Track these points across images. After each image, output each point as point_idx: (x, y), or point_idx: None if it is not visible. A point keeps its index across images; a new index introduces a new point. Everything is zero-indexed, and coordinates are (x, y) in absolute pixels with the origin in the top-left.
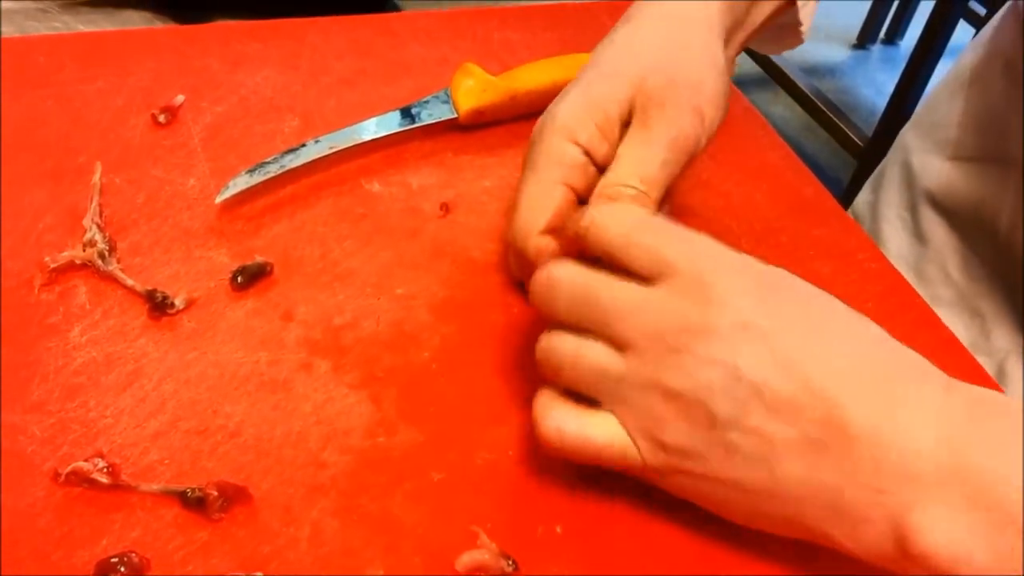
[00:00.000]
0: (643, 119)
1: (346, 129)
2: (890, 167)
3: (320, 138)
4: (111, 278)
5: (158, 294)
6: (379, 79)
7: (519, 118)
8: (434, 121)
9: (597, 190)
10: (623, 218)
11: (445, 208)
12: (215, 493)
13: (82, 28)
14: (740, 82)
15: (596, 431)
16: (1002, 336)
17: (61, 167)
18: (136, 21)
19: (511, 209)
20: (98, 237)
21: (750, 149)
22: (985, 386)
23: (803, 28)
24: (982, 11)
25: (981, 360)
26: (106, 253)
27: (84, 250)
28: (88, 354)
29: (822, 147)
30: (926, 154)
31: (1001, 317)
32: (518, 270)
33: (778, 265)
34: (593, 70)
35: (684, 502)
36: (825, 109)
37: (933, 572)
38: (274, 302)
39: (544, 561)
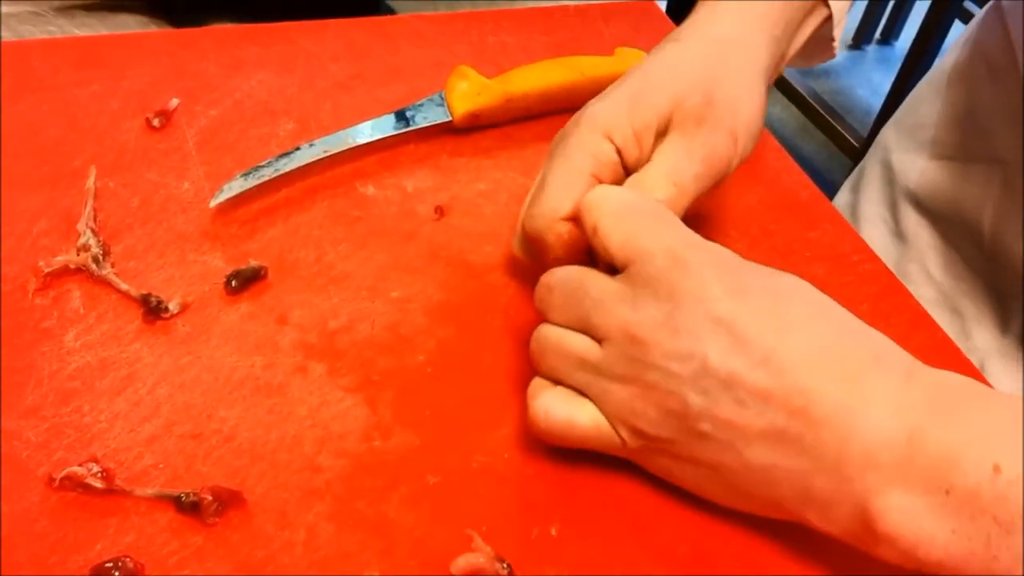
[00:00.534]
0: (681, 132)
1: (341, 132)
2: (870, 167)
3: (315, 141)
4: (105, 282)
5: (152, 298)
6: (374, 82)
7: (514, 121)
8: (429, 124)
9: (626, 185)
10: (612, 200)
11: (440, 211)
12: (210, 497)
13: (77, 32)
14: None
15: (581, 415)
16: (982, 336)
17: (56, 171)
18: (131, 25)
19: (534, 191)
20: (92, 241)
21: None
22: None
23: (835, 43)
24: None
25: None
26: (100, 257)
27: (78, 254)
28: (82, 359)
29: (818, 148)
30: (906, 153)
31: (981, 317)
32: (528, 253)
33: (772, 267)
34: (637, 78)
35: (679, 504)
36: (820, 110)
37: (899, 553)
38: (269, 306)
39: (539, 564)
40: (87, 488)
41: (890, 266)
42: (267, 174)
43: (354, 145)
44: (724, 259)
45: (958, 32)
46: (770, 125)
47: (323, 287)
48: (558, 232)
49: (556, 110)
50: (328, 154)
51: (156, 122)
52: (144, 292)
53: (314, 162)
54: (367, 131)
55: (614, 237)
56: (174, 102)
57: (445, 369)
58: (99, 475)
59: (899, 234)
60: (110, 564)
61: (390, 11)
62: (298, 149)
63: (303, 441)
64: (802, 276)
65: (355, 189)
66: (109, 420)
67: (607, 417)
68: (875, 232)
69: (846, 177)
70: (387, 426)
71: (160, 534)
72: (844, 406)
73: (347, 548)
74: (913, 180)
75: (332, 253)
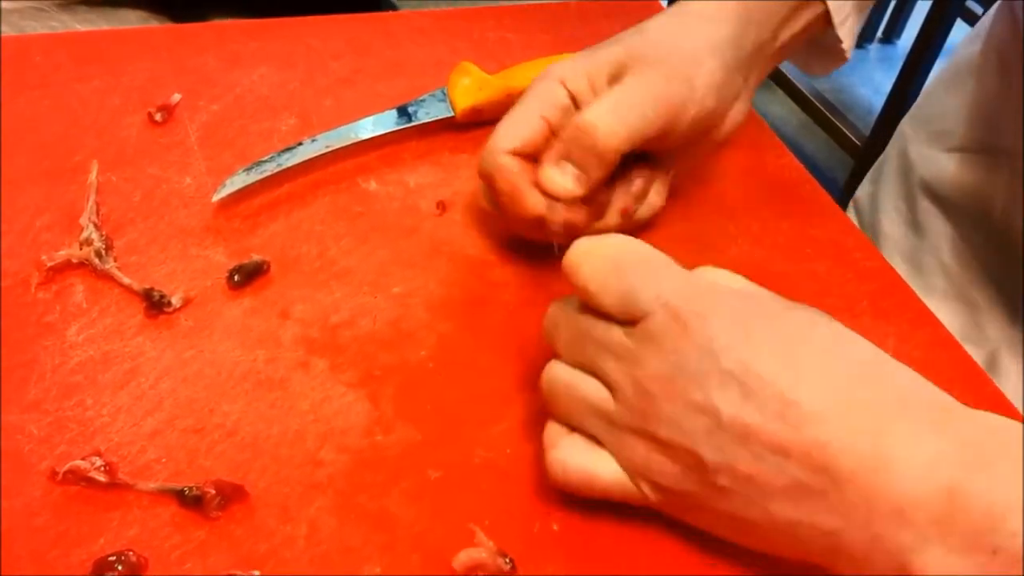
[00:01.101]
0: (632, 73)
1: (343, 128)
2: (889, 158)
3: (317, 137)
4: (108, 277)
5: (155, 293)
6: (376, 78)
7: None
8: (431, 120)
9: (570, 125)
10: (594, 257)
11: (442, 206)
12: (212, 491)
13: (79, 27)
14: None
15: (600, 468)
16: (994, 327)
17: (58, 166)
18: (132, 20)
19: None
20: (95, 236)
21: (747, 148)
22: (977, 383)
23: (844, 46)
24: (979, 10)
25: (972, 351)
26: (103, 252)
27: (81, 249)
28: (85, 353)
29: (819, 146)
30: (922, 145)
31: (994, 307)
32: (486, 196)
33: (774, 264)
34: (602, 42)
35: None
36: (822, 108)
37: None
38: (271, 300)
39: (541, 559)
40: (90, 482)
41: (905, 257)
42: (269, 169)
43: (356, 140)
44: (726, 304)
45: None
46: (772, 123)
47: (325, 282)
48: (500, 165)
49: None
50: (330, 149)
51: (158, 117)
52: (146, 286)
53: (316, 157)
54: (369, 126)
55: (607, 299)
56: (176, 97)
57: (447, 364)
58: (102, 469)
59: (914, 225)
60: (113, 558)
61: (392, 7)
62: (300, 144)
63: (305, 436)
64: (804, 273)
65: (357, 184)
66: (112, 414)
67: (625, 470)
68: (891, 222)
69: (848, 175)
70: (389, 421)
71: (163, 528)
72: (870, 460)
73: (349, 542)
74: (928, 171)
75: (334, 248)
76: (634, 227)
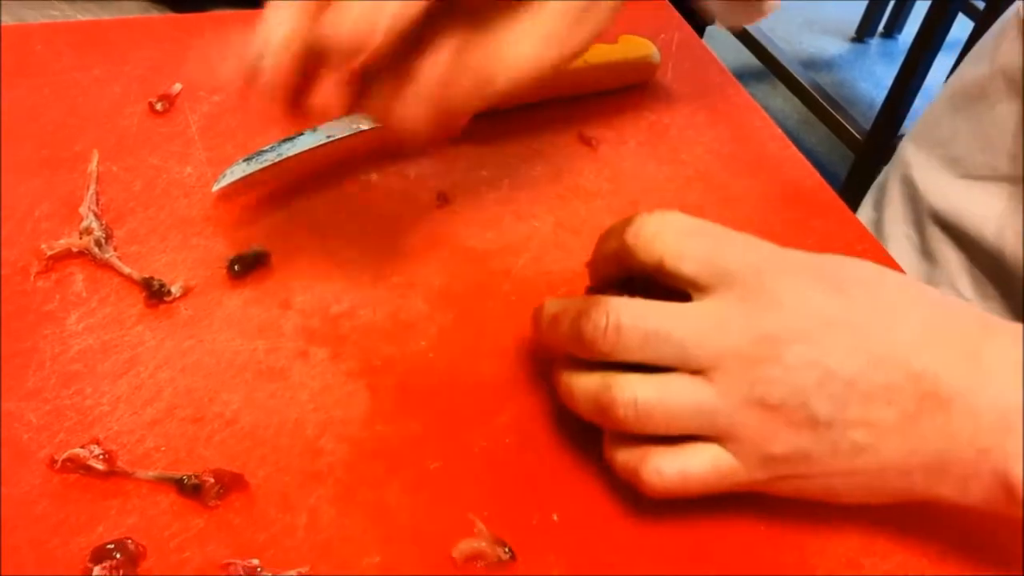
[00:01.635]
0: None
1: (343, 119)
2: (891, 184)
3: (317, 127)
4: (108, 266)
5: (155, 282)
6: None
7: (516, 108)
8: None
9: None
10: (671, 228)
11: (442, 198)
12: (211, 480)
13: (79, 16)
14: (739, 74)
15: (695, 464)
16: None
17: (58, 155)
18: (133, 10)
19: None
20: (95, 225)
21: (748, 141)
22: None
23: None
24: (980, 5)
25: None
26: (103, 241)
27: (80, 238)
28: (84, 341)
29: (820, 140)
30: (930, 171)
31: None
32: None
33: None
34: None
35: None
36: (823, 102)
37: None
38: (271, 290)
39: (540, 549)
40: (89, 470)
41: None
42: (270, 159)
43: (357, 131)
44: (804, 263)
45: (961, 26)
46: (773, 117)
47: (325, 272)
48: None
49: (559, 98)
50: (331, 140)
51: (159, 107)
52: (146, 275)
53: (317, 147)
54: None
55: (687, 265)
56: (177, 87)
57: (446, 355)
58: (101, 457)
59: (926, 253)
60: (111, 546)
61: None
62: (301, 135)
63: (305, 425)
64: None
65: (358, 175)
66: (111, 403)
67: (736, 454)
68: (901, 251)
69: (848, 170)
70: (388, 411)
71: (162, 516)
72: (970, 379)
73: (348, 532)
74: (938, 200)
75: (334, 239)
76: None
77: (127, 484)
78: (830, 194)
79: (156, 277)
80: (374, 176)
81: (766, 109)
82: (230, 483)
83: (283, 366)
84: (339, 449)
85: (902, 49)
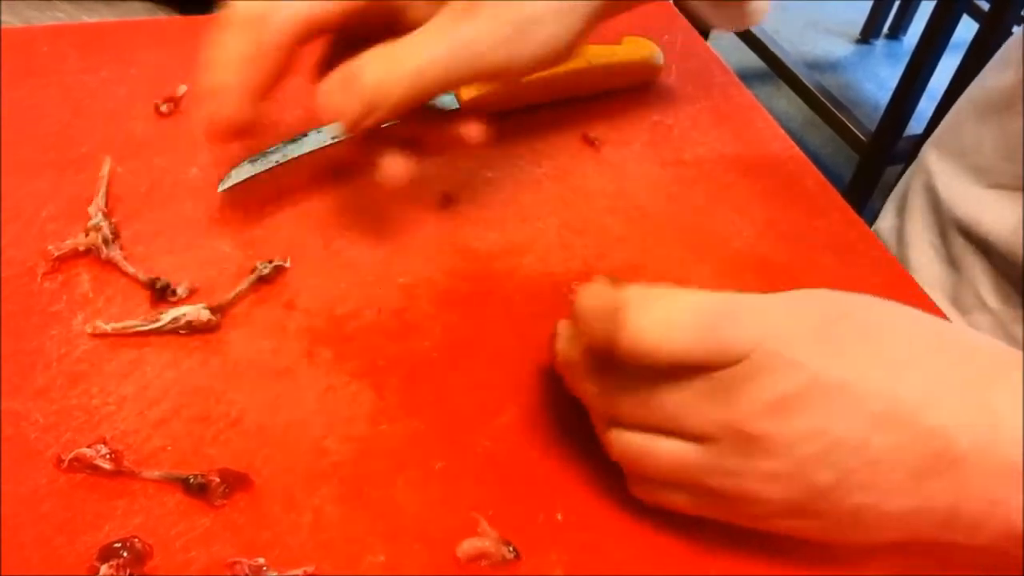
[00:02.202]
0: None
1: None
2: (914, 191)
3: (322, 128)
4: (114, 266)
5: (160, 282)
6: None
7: (521, 109)
8: (436, 111)
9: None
10: (665, 330)
11: (447, 199)
12: (217, 480)
13: (85, 18)
14: (743, 76)
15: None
16: None
17: (64, 157)
18: (138, 11)
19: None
20: (103, 223)
21: (752, 141)
22: None
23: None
24: (985, 6)
25: None
26: (110, 239)
27: (88, 235)
28: (91, 342)
29: (825, 142)
30: (954, 179)
31: None
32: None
33: (779, 256)
34: None
35: None
36: (828, 104)
37: None
38: (277, 291)
39: (545, 548)
40: (95, 470)
41: (945, 294)
42: (275, 160)
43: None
44: (798, 320)
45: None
46: (777, 118)
47: (331, 273)
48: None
49: (562, 99)
50: (336, 140)
51: (164, 108)
52: (152, 276)
53: (322, 148)
54: None
55: (695, 357)
56: (182, 88)
57: (451, 355)
58: (107, 457)
59: (951, 261)
60: (118, 545)
61: None
62: (306, 135)
63: (310, 425)
64: (809, 266)
65: (363, 176)
66: (117, 403)
67: (715, 514)
68: (924, 259)
69: (852, 171)
70: (393, 411)
71: (168, 516)
72: (983, 433)
73: (353, 531)
74: (962, 209)
75: (340, 239)
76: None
77: (133, 483)
78: (834, 196)
79: (162, 278)
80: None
81: (770, 110)
82: (236, 482)
83: (288, 366)
84: (344, 449)
85: (907, 50)
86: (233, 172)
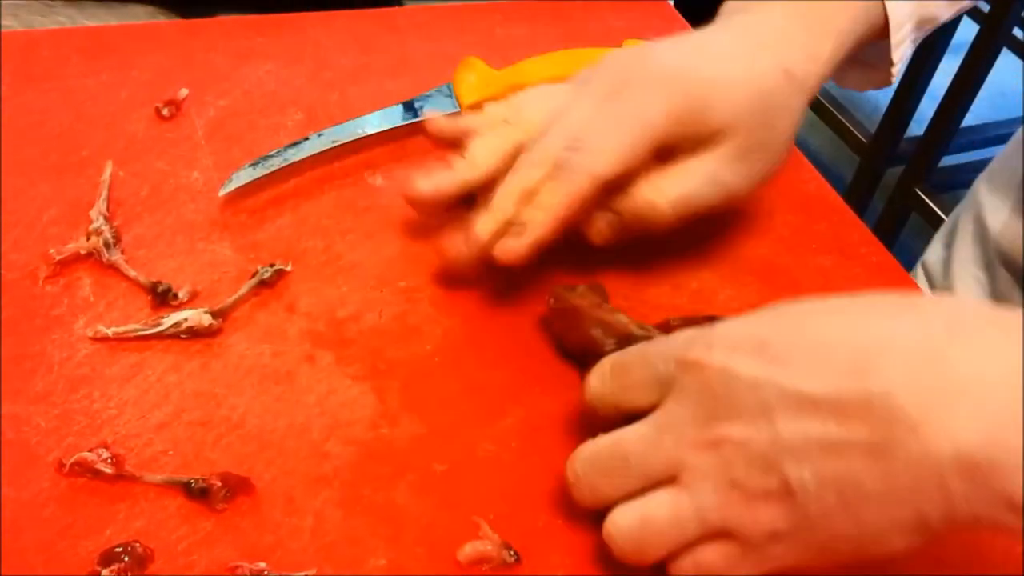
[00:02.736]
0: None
1: (349, 123)
2: (963, 224)
3: (323, 132)
4: (115, 270)
5: (161, 286)
6: (382, 73)
7: None
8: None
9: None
10: (601, 368)
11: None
12: (218, 484)
13: (86, 22)
14: None
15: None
16: None
17: (65, 160)
18: (140, 15)
19: None
20: (104, 227)
21: None
22: None
23: (894, 69)
24: (985, 7)
25: None
26: (111, 243)
27: (89, 239)
28: (92, 346)
29: (825, 144)
30: (1002, 213)
31: None
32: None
33: (779, 259)
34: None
35: None
36: (828, 105)
37: None
38: (277, 294)
39: (546, 552)
40: (97, 474)
41: None
42: (276, 164)
43: (362, 135)
44: (729, 339)
45: (966, 28)
46: None
47: (331, 276)
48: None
49: None
50: (336, 144)
51: (165, 112)
52: (153, 280)
53: (322, 152)
54: (375, 121)
55: (632, 401)
56: (183, 92)
57: (452, 358)
58: (109, 461)
59: (995, 296)
60: (120, 549)
61: (398, 2)
62: (306, 139)
63: (311, 429)
64: (809, 268)
65: (363, 179)
66: (119, 407)
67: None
68: (970, 293)
69: (853, 173)
70: (394, 414)
71: (169, 520)
72: (935, 396)
73: (354, 535)
74: (1008, 241)
75: (340, 243)
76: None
77: (135, 488)
78: (835, 197)
79: (163, 281)
80: (379, 180)
81: None
82: (237, 486)
83: (289, 370)
84: (345, 452)
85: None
86: (234, 176)
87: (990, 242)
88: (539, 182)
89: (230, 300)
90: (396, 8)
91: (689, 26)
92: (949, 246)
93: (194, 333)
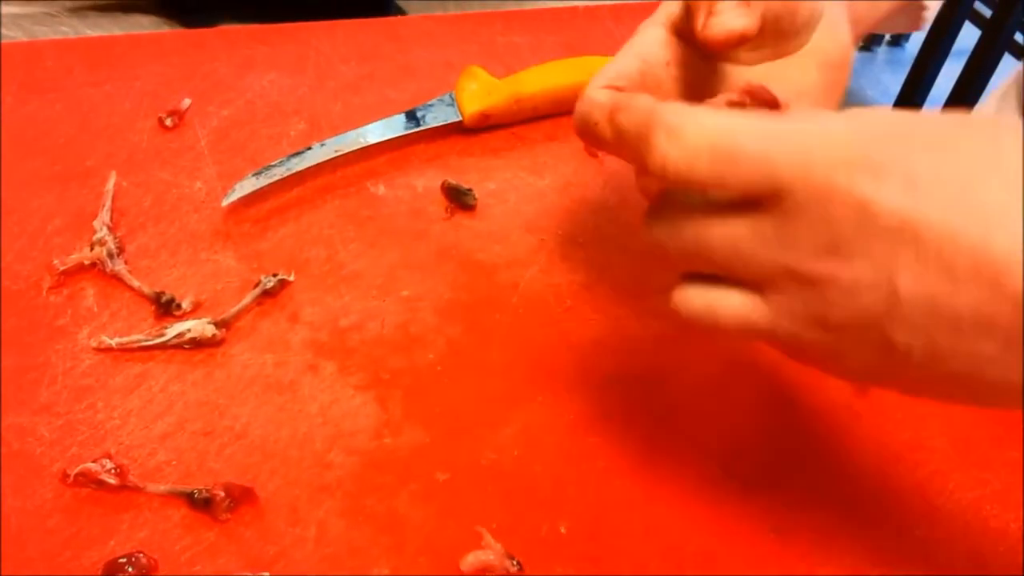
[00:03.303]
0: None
1: (351, 132)
2: None
3: (326, 141)
4: (118, 280)
5: (164, 296)
6: (384, 83)
7: (523, 121)
8: (439, 124)
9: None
10: (698, 144)
11: (450, 211)
12: (222, 494)
13: (89, 33)
14: None
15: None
16: None
17: (69, 171)
18: (144, 25)
19: None
20: (108, 237)
21: None
22: None
23: (926, 13)
24: (987, 13)
25: None
26: (115, 253)
27: (92, 249)
28: (96, 356)
29: None
30: None
31: None
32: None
33: None
34: None
35: (687, 502)
36: None
37: None
38: (280, 304)
39: (549, 561)
40: (101, 484)
41: None
42: (278, 173)
43: (365, 145)
44: (847, 133)
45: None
46: None
47: (334, 286)
48: (591, 97)
49: (565, 111)
50: (339, 154)
51: (168, 122)
52: (156, 290)
53: (325, 161)
54: (378, 131)
55: (730, 189)
56: (186, 102)
57: (454, 367)
58: (113, 471)
59: None
60: (123, 559)
61: (400, 12)
62: (309, 149)
63: (314, 438)
64: None
65: (366, 188)
66: (122, 417)
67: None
68: None
69: None
70: (397, 423)
71: (173, 530)
72: None
73: (357, 544)
74: None
75: (343, 252)
76: None
77: (138, 498)
78: None
79: (166, 291)
80: (382, 189)
81: None
82: (240, 496)
83: (292, 379)
84: (348, 462)
85: (909, 57)
86: (237, 186)
87: None
88: None
89: (233, 310)
90: (398, 18)
91: None
92: None
93: (197, 343)
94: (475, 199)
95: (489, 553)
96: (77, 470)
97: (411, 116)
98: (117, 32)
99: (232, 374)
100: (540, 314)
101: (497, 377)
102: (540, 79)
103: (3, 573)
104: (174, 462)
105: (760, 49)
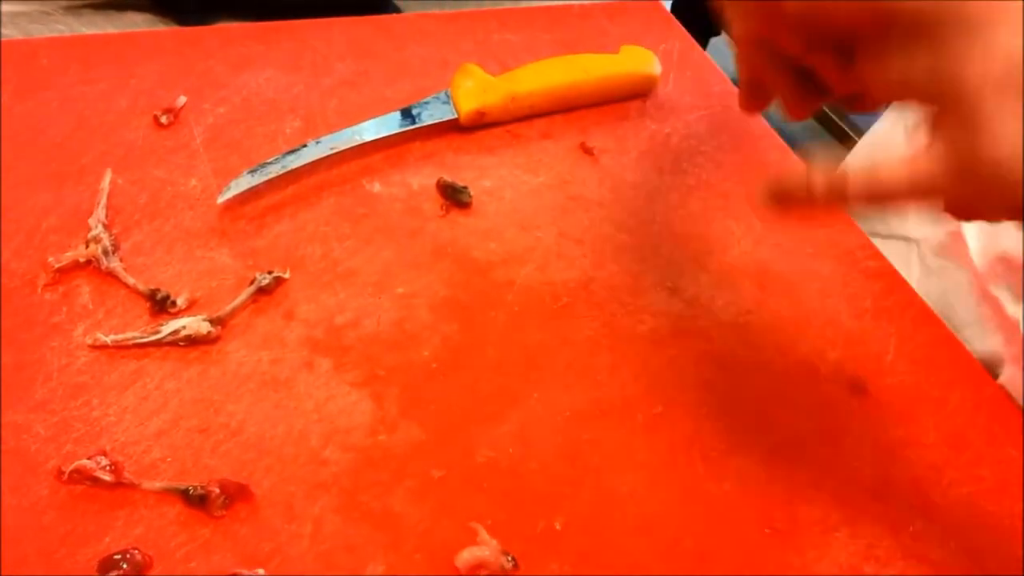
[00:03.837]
0: None
1: (347, 130)
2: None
3: (321, 139)
4: (114, 278)
5: (160, 293)
6: (380, 80)
7: (519, 119)
8: (434, 122)
9: None
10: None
11: (445, 208)
12: (217, 491)
13: (85, 31)
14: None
15: None
16: None
17: (64, 169)
18: (139, 23)
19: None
20: (103, 234)
21: (750, 149)
22: (978, 382)
23: None
24: None
25: None
26: (110, 250)
27: (88, 246)
28: (91, 353)
29: (825, 148)
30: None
31: None
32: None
33: (777, 265)
34: None
35: (682, 499)
36: (826, 109)
37: None
38: (276, 301)
39: (544, 557)
40: (96, 481)
41: None
42: (274, 171)
43: (360, 142)
44: None
45: None
46: (774, 124)
47: (329, 283)
48: None
49: (561, 108)
50: (335, 151)
51: (164, 119)
52: (152, 287)
53: (321, 159)
54: (373, 128)
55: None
56: (182, 100)
57: (450, 364)
58: (108, 468)
59: None
60: (118, 556)
61: (396, 9)
62: (305, 146)
63: (309, 435)
64: (807, 273)
65: (361, 186)
66: (118, 414)
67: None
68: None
69: None
70: (393, 420)
71: (168, 527)
72: None
73: (353, 541)
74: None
75: (338, 249)
76: None
77: (134, 495)
78: None
79: (161, 289)
80: (377, 187)
81: (767, 116)
82: (236, 493)
83: (288, 376)
84: (343, 458)
85: None
86: (232, 183)
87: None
88: None
89: (228, 307)
90: (394, 15)
91: (685, 32)
92: None
93: (192, 340)
94: (471, 197)
95: (484, 549)
96: (72, 467)
97: (407, 114)
98: (112, 30)
99: (227, 371)
100: (536, 311)
101: (492, 374)
102: (536, 77)
103: None
104: (169, 459)
105: None
